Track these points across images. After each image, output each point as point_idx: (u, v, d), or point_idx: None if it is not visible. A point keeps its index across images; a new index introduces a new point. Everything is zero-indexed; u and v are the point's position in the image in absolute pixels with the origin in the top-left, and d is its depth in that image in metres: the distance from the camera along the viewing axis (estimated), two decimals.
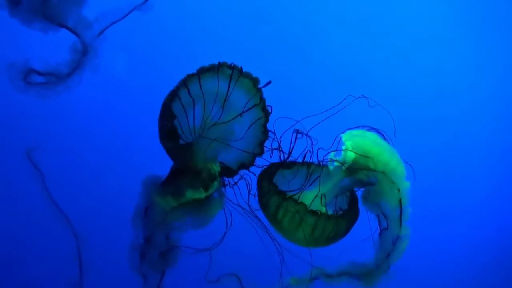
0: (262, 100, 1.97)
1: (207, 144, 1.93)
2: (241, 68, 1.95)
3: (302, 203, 1.83)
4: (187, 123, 1.96)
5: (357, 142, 1.88)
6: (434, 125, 3.51)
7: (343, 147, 1.92)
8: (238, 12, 3.09)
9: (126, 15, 1.82)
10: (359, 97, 1.95)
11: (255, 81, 1.96)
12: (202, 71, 1.92)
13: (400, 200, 1.88)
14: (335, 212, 1.96)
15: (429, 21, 3.46)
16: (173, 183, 1.91)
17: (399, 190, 1.87)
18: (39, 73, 1.78)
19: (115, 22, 1.81)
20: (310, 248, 1.93)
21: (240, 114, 1.97)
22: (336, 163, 1.92)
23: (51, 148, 2.70)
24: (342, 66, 3.29)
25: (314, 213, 1.82)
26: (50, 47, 1.76)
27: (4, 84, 1.72)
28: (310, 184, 1.99)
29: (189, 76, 1.92)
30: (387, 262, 1.94)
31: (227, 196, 2.00)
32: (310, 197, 1.96)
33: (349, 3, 3.32)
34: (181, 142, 1.95)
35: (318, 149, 1.94)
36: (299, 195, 1.92)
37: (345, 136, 1.92)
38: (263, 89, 1.97)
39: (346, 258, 2.02)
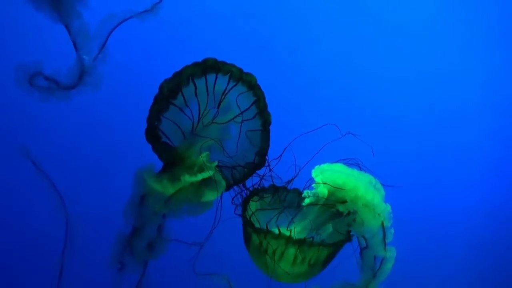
0: (261, 106, 1.94)
1: (200, 142, 1.93)
2: (241, 70, 1.91)
3: (282, 236, 1.82)
4: (184, 119, 1.94)
5: (328, 177, 1.87)
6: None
7: (315, 183, 1.90)
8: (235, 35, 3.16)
9: (123, 21, 1.81)
10: (345, 134, 1.96)
11: (253, 83, 1.92)
12: (206, 68, 1.88)
13: (382, 223, 1.88)
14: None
15: (420, 47, 3.52)
16: (168, 170, 1.92)
17: (379, 214, 1.87)
18: (46, 78, 1.78)
19: (112, 30, 1.80)
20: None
21: (235, 117, 1.95)
22: (311, 199, 1.91)
23: (49, 144, 2.75)
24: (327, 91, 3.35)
25: (294, 243, 1.81)
26: (65, 53, 1.80)
27: (10, 82, 1.76)
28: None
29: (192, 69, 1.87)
30: (374, 282, 1.96)
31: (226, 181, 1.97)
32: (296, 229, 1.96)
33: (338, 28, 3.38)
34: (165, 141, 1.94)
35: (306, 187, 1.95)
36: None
37: (315, 172, 1.90)
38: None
39: (338, 277, 2.04)
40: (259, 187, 2.03)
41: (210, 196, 1.95)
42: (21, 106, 2.63)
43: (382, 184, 1.91)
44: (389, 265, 1.95)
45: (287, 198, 2.05)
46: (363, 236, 1.93)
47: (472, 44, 3.54)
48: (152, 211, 1.95)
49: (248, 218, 1.92)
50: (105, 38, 1.82)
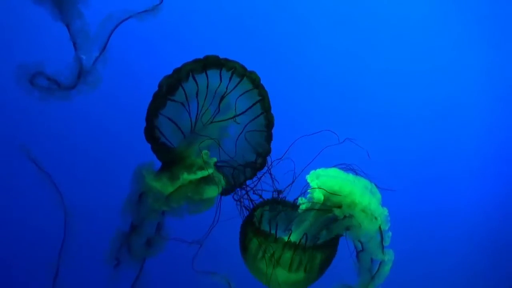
0: (266, 106, 1.93)
1: (199, 141, 1.93)
2: (245, 68, 1.89)
3: (279, 240, 1.82)
4: (184, 118, 1.94)
5: (323, 182, 1.85)
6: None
7: (311, 189, 1.87)
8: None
9: (122, 21, 1.80)
10: (343, 141, 1.94)
11: (257, 81, 1.90)
12: (207, 64, 1.86)
13: (379, 227, 1.87)
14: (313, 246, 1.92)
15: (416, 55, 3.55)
16: (168, 169, 1.92)
17: (376, 218, 1.86)
18: (47, 78, 1.77)
19: (113, 30, 1.80)
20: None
21: (234, 117, 1.93)
22: (307, 204, 1.89)
23: (50, 142, 2.76)
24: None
25: (290, 247, 1.79)
26: (67, 54, 1.78)
27: (10, 81, 1.76)
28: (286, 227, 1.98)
29: (192, 65, 1.86)
30: (372, 284, 1.96)
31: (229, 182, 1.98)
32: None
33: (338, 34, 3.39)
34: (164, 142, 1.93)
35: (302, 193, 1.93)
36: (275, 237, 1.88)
37: (310, 177, 1.89)
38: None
39: (338, 279, 2.04)
40: (266, 199, 2.02)
41: (211, 192, 1.94)
42: (22, 105, 2.64)
43: (380, 188, 1.91)
44: (387, 268, 1.95)
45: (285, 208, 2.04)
46: (359, 240, 1.93)
47: (468, 47, 3.56)
48: (150, 208, 1.95)
49: (257, 224, 1.92)
50: (105, 38, 1.82)
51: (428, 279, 3.63)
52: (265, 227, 1.95)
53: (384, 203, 1.92)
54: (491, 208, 3.73)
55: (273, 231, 1.93)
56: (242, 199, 2.03)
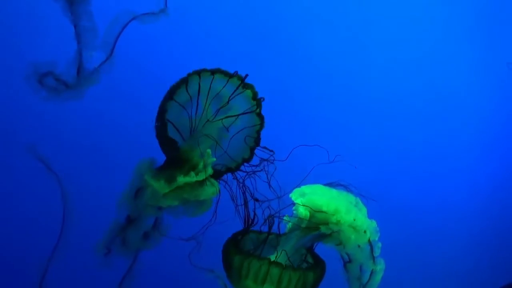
0: (259, 106, 1.97)
1: (200, 140, 1.95)
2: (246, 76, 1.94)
3: (265, 258, 1.80)
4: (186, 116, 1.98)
5: (309, 200, 1.82)
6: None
7: (295, 207, 1.84)
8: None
9: (128, 23, 1.80)
10: (334, 158, 1.90)
11: (254, 93, 1.96)
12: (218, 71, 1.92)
13: (369, 239, 1.85)
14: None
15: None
16: (167, 170, 1.94)
17: (365, 231, 1.84)
18: (56, 78, 1.78)
19: (122, 30, 1.80)
20: None
21: (234, 117, 1.96)
22: (292, 224, 1.86)
23: (56, 141, 2.80)
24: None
25: (278, 264, 1.77)
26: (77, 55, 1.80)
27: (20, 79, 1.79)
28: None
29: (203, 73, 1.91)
30: None
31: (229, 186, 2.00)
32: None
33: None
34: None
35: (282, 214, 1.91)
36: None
37: (294, 195, 1.85)
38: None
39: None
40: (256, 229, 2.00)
41: (207, 194, 1.95)
42: (29, 104, 2.66)
43: (372, 199, 1.90)
44: (378, 277, 1.95)
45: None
46: (346, 253, 1.92)
47: (463, 47, 3.56)
48: (147, 204, 1.96)
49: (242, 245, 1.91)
50: (113, 38, 1.83)
51: (425, 279, 3.64)
52: (249, 246, 1.94)
53: (380, 206, 1.93)
54: (488, 207, 3.73)
55: (258, 251, 1.91)
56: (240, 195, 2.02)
